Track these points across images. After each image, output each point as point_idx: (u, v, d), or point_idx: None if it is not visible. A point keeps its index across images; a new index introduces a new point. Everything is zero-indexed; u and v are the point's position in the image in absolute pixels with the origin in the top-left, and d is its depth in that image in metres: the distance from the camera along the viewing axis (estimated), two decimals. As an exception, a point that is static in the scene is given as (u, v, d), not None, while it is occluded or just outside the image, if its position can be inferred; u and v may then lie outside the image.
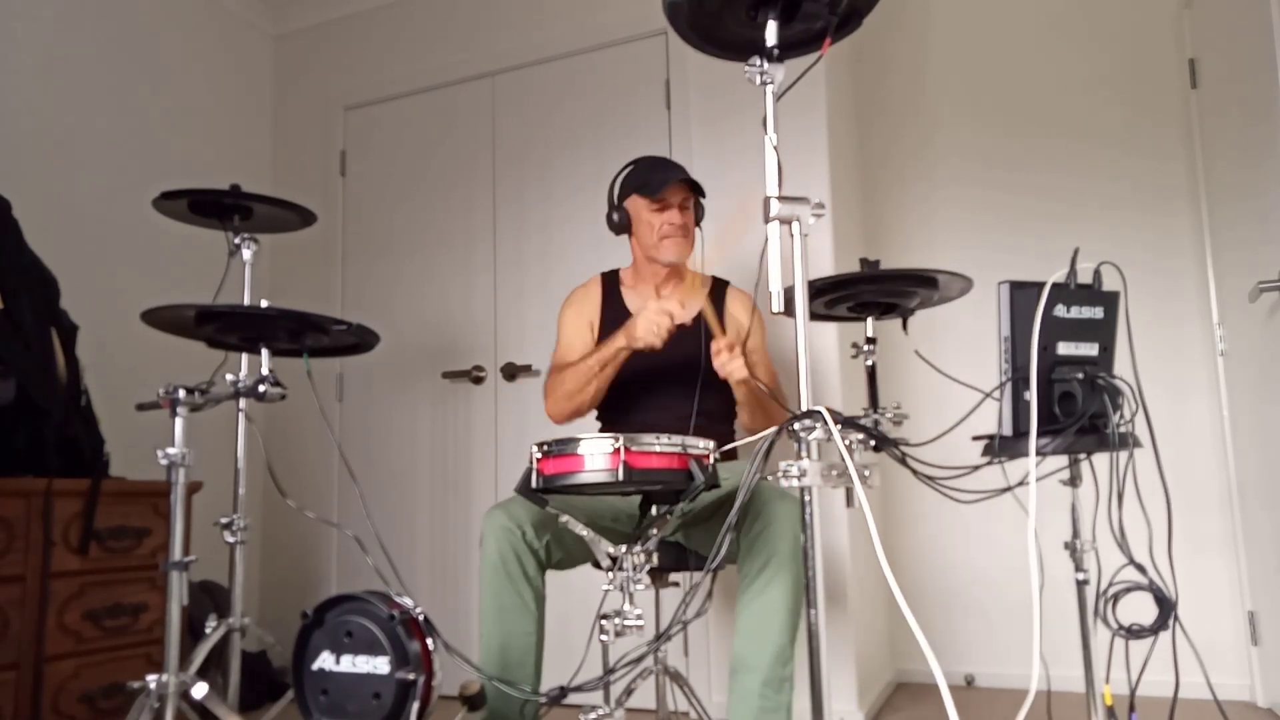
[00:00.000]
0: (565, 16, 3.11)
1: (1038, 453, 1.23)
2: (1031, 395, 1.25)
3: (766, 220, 1.24)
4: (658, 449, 1.37)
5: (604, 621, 1.37)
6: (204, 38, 3.35)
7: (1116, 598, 1.31)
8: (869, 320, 1.67)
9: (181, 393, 1.79)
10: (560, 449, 1.38)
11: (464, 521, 3.04)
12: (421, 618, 1.41)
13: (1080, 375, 1.26)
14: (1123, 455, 1.29)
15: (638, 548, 1.44)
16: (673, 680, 1.86)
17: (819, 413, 1.20)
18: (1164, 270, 2.82)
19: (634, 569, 1.42)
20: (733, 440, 2.05)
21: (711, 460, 1.42)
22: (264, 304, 1.85)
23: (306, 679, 1.40)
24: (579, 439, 1.37)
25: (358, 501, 3.10)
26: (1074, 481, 1.46)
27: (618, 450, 1.33)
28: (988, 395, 1.31)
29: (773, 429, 1.27)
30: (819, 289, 1.55)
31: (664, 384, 2.01)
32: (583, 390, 1.95)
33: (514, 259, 3.10)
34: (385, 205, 3.35)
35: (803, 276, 1.25)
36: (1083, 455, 1.44)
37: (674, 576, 1.99)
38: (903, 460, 1.30)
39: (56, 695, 2.09)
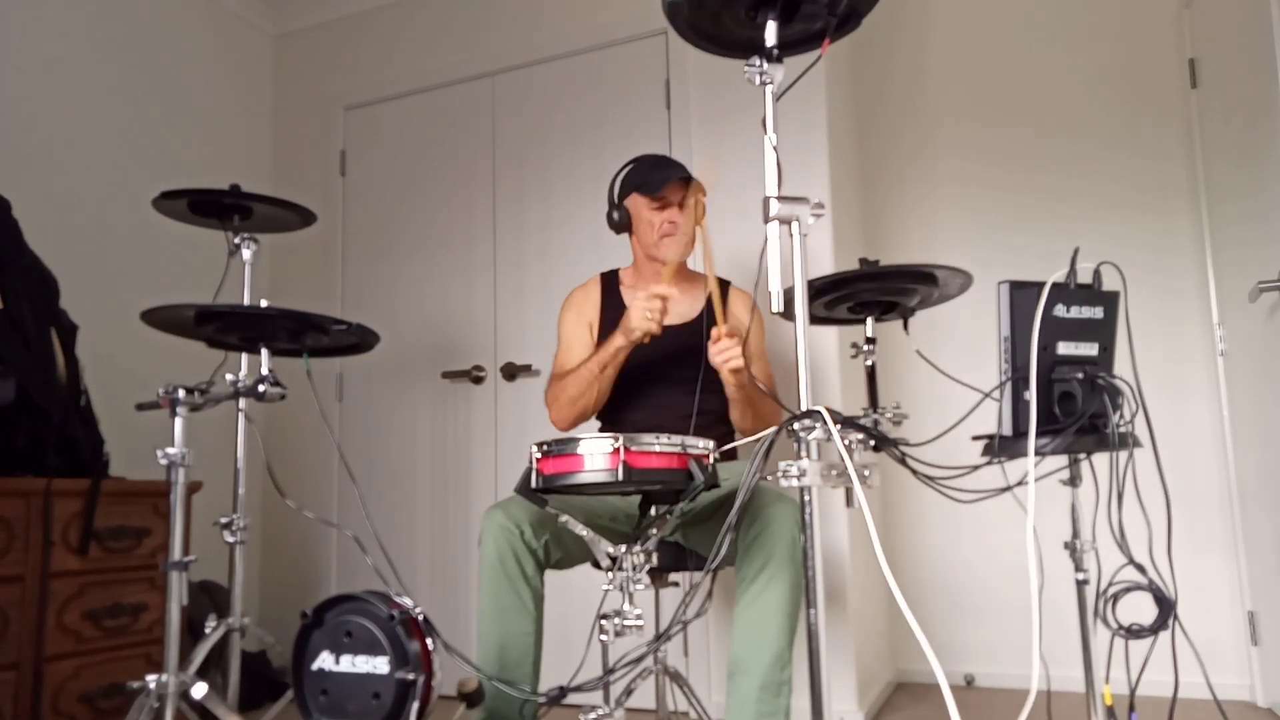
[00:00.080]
0: (565, 16, 3.11)
1: (1037, 453, 1.23)
2: (1031, 395, 1.25)
3: (766, 220, 1.24)
4: (657, 449, 1.37)
5: (604, 621, 1.37)
6: (204, 38, 3.35)
7: (1116, 598, 1.31)
8: (869, 320, 1.67)
9: (181, 393, 1.79)
10: (560, 449, 1.38)
11: (464, 521, 3.04)
12: (421, 618, 1.41)
13: (1080, 375, 1.26)
14: (1122, 455, 1.29)
15: (637, 548, 1.44)
16: (672, 680, 1.86)
17: (818, 412, 1.20)
18: (1164, 270, 2.82)
19: (634, 569, 1.42)
20: (733, 440, 2.05)
21: (711, 460, 1.42)
22: (264, 304, 1.85)
23: (306, 679, 1.40)
24: (578, 439, 1.37)
25: (357, 501, 3.10)
26: (1074, 481, 1.46)
27: (617, 450, 1.33)
28: (987, 395, 1.31)
29: (773, 429, 1.27)
30: (819, 289, 1.55)
31: (664, 383, 2.01)
32: (585, 395, 1.95)
33: (514, 259, 3.10)
34: (385, 205, 3.35)
35: (802, 276, 1.25)
36: (1082, 455, 1.44)
37: (673, 576, 1.99)
38: (902, 460, 1.30)
39: (56, 695, 2.09)
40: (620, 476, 1.32)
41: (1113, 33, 2.97)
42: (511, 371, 3.02)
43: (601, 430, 2.09)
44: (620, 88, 3.00)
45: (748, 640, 1.65)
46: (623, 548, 1.44)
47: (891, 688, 2.87)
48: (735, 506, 1.27)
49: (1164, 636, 1.30)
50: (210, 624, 1.96)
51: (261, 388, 1.89)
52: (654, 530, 1.50)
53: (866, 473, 1.22)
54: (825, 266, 2.54)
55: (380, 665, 1.35)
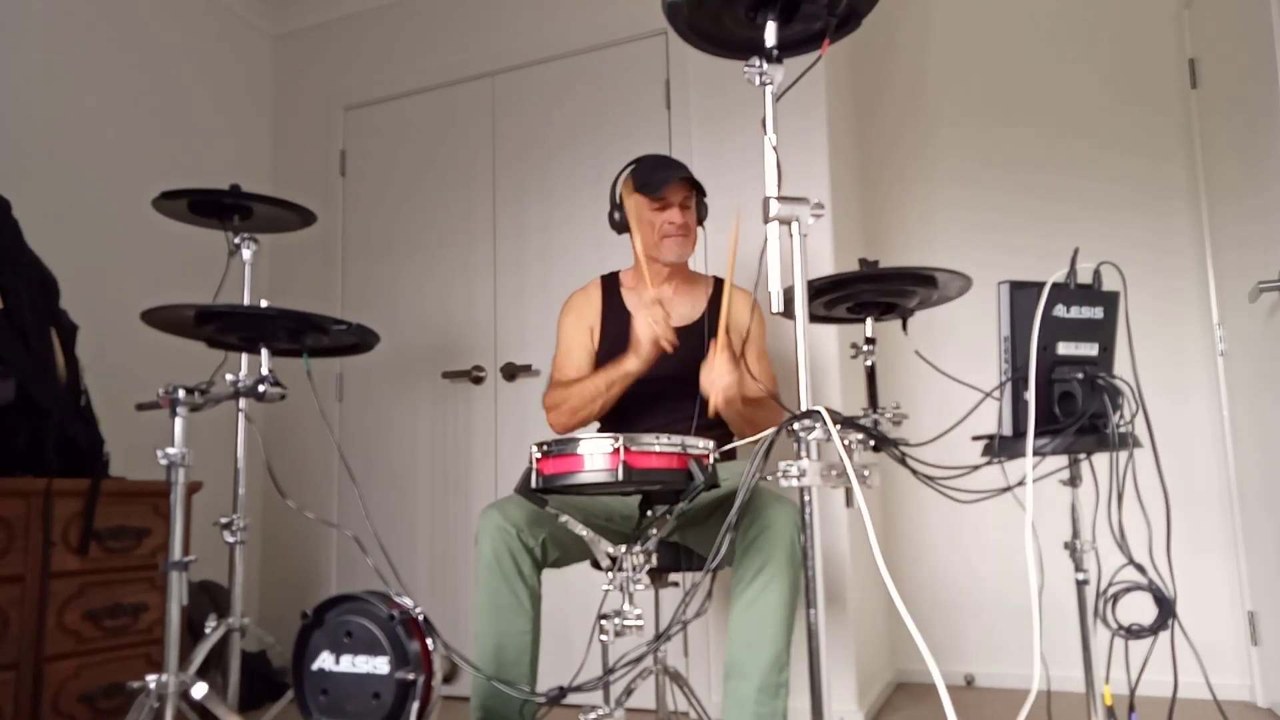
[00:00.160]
0: (565, 16, 3.11)
1: (1037, 453, 1.23)
2: (1031, 395, 1.25)
3: (766, 220, 1.24)
4: (657, 449, 1.37)
5: (604, 621, 1.37)
6: (204, 38, 3.35)
7: (1116, 598, 1.31)
8: (868, 320, 1.67)
9: (181, 393, 1.79)
10: (560, 449, 1.38)
11: (464, 522, 3.04)
12: (421, 618, 1.41)
13: (1080, 375, 1.26)
14: (1122, 455, 1.29)
15: (637, 548, 1.44)
16: (672, 680, 1.86)
17: (818, 413, 1.20)
18: (1164, 270, 2.82)
19: (634, 569, 1.42)
20: (732, 440, 2.05)
21: (711, 460, 1.42)
22: (264, 304, 1.85)
23: (306, 679, 1.40)
24: (579, 439, 1.37)
25: (357, 501, 3.10)
26: (1074, 481, 1.46)
27: (617, 450, 1.33)
28: (987, 395, 1.31)
29: (772, 429, 1.27)
30: (818, 289, 1.55)
31: (665, 384, 2.00)
32: (587, 408, 1.95)
33: (514, 259, 3.10)
34: (385, 205, 3.35)
35: (802, 277, 1.25)
36: (1082, 455, 1.44)
37: (673, 576, 1.99)
38: (902, 460, 1.30)
39: (56, 695, 2.09)
40: (620, 477, 1.32)
41: (1113, 33, 2.97)
42: (511, 372, 3.02)
43: (601, 430, 2.09)
44: (620, 88, 3.00)
45: (746, 642, 1.64)
46: (623, 548, 1.44)
47: (891, 688, 2.87)
48: (735, 506, 1.27)
49: (1164, 636, 1.30)
50: (210, 624, 1.96)
51: (261, 388, 1.89)
52: (654, 530, 1.50)
53: (866, 473, 1.22)
54: (825, 266, 2.54)
55: (380, 665, 1.36)
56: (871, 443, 1.31)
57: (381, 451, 3.21)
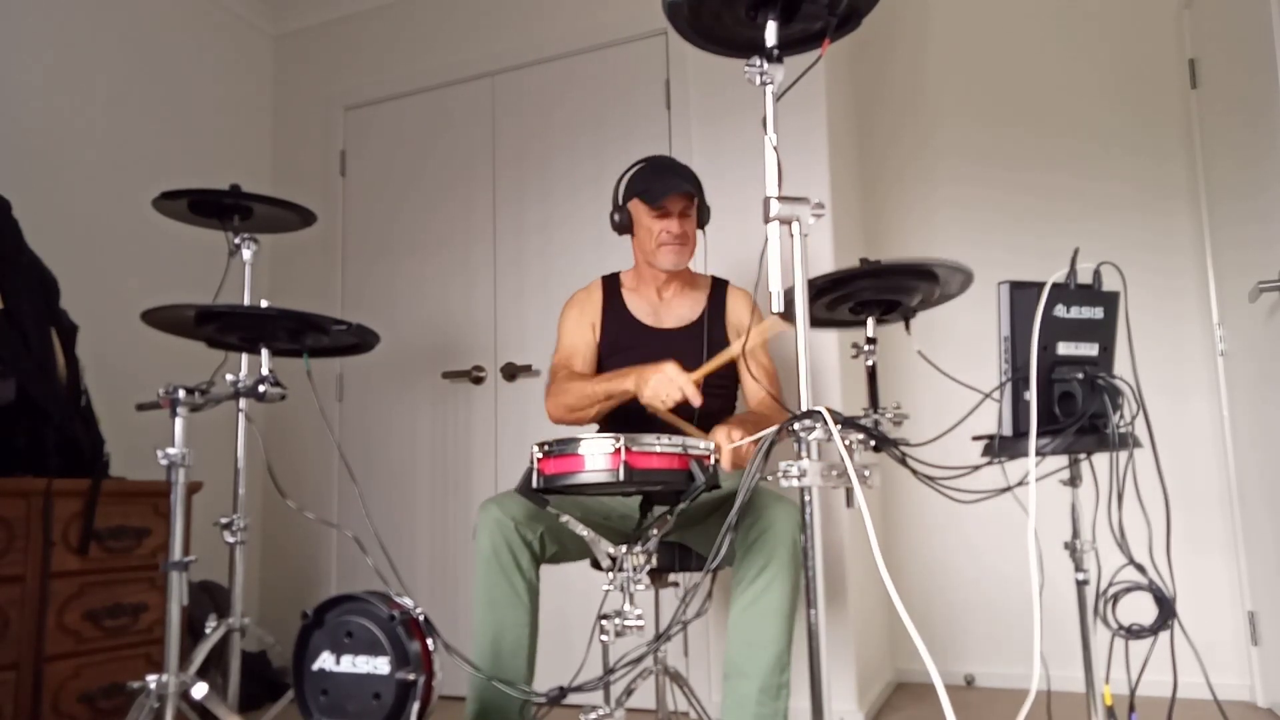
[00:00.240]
0: (565, 16, 3.11)
1: (1037, 453, 1.23)
2: (1031, 395, 1.25)
3: (766, 220, 1.24)
4: (658, 449, 1.37)
5: (604, 622, 1.37)
6: (204, 38, 3.35)
7: (1116, 598, 1.31)
8: (869, 321, 1.66)
9: (181, 393, 1.79)
10: (561, 449, 1.38)
11: (464, 522, 3.04)
12: (421, 618, 1.41)
13: (1080, 375, 1.26)
14: (1122, 455, 1.29)
15: (638, 548, 1.44)
16: (673, 680, 1.86)
17: (819, 413, 1.20)
18: (1164, 270, 2.82)
19: (634, 569, 1.42)
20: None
21: (712, 461, 1.42)
22: (264, 304, 1.85)
23: (306, 679, 1.40)
24: (579, 439, 1.37)
25: (358, 501, 3.10)
26: (1074, 481, 1.46)
27: (618, 450, 1.33)
28: (988, 395, 1.31)
29: (772, 429, 1.27)
30: (819, 288, 1.54)
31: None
32: (584, 409, 1.96)
33: (514, 259, 3.10)
34: (385, 205, 3.35)
35: (803, 277, 1.25)
36: (1082, 455, 1.44)
37: (673, 576, 1.99)
38: (903, 460, 1.30)
39: (56, 695, 2.09)
40: (621, 477, 1.32)
41: (1113, 33, 2.97)
42: (511, 371, 3.02)
43: (601, 430, 2.09)
44: (620, 88, 3.00)
45: (747, 642, 1.64)
46: (623, 548, 1.44)
47: (892, 688, 2.87)
48: (735, 506, 1.27)
49: (1164, 636, 1.30)
50: (210, 624, 1.96)
51: (261, 388, 1.89)
52: (654, 530, 1.50)
53: (867, 473, 1.22)
54: (825, 266, 2.54)
55: (381, 665, 1.36)
56: (872, 443, 1.31)
57: (381, 451, 3.21)
